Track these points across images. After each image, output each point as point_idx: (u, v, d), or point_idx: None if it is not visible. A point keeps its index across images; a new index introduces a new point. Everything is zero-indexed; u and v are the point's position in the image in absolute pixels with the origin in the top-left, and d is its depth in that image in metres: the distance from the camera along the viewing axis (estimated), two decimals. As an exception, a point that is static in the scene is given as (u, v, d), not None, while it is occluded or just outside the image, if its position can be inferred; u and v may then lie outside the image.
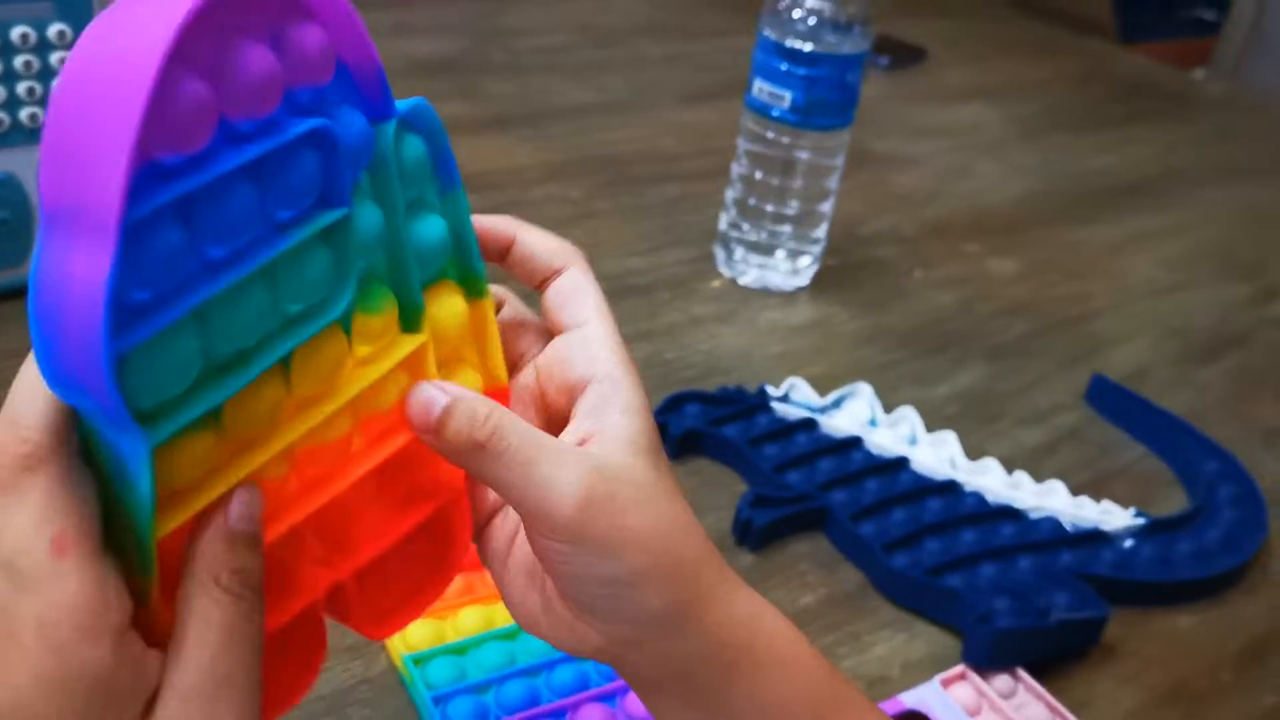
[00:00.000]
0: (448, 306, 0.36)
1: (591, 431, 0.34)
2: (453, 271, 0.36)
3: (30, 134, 0.68)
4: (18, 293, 0.72)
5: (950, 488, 0.67)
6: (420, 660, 0.53)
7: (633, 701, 0.53)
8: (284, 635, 0.33)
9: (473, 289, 0.37)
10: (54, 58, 0.67)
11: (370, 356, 0.33)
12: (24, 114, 0.67)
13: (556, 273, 0.37)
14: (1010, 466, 0.70)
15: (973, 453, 0.71)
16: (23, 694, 0.26)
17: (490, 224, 0.38)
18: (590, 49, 1.35)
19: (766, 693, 0.34)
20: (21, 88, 0.66)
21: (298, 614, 0.33)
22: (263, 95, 0.27)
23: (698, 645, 0.33)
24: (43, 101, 0.67)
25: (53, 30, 0.66)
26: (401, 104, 0.33)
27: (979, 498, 0.67)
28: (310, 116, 0.29)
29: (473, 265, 0.36)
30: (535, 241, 0.38)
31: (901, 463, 0.69)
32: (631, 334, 0.80)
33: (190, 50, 0.24)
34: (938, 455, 0.70)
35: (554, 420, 0.37)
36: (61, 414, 0.27)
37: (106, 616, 0.26)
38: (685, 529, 0.33)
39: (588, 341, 0.36)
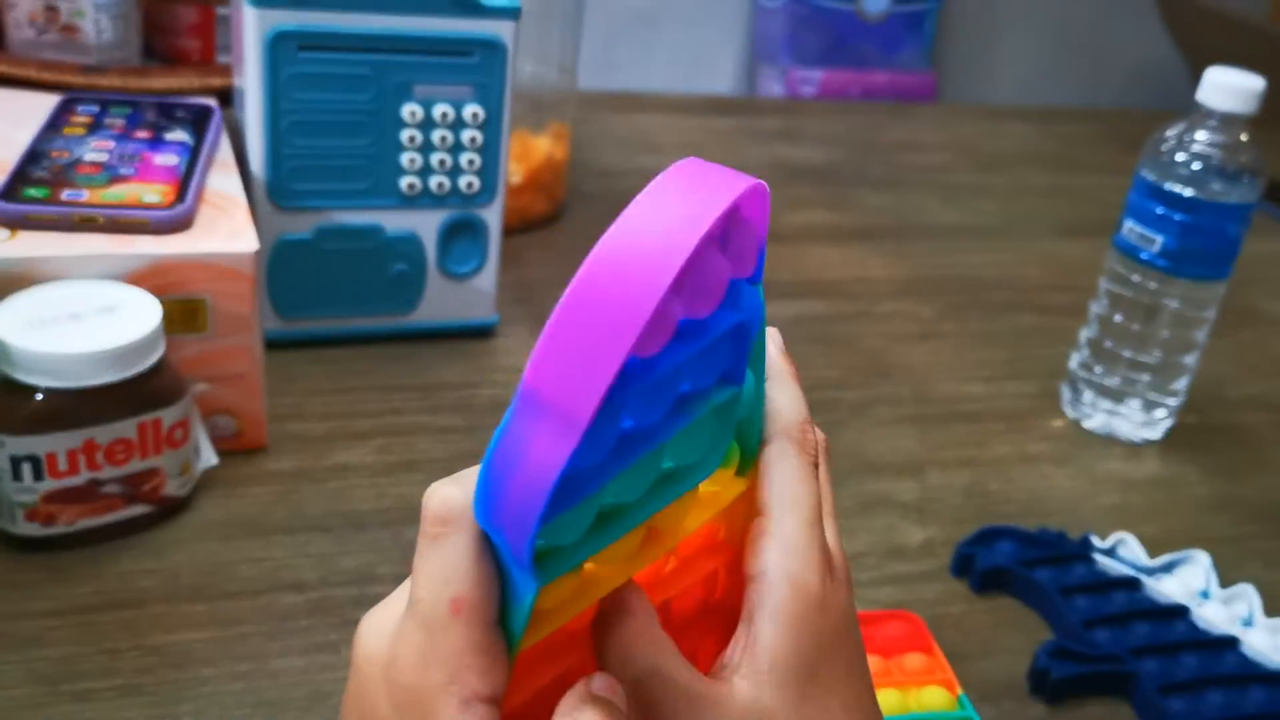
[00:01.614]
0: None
1: (744, 646, 0.32)
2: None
3: (436, 200, 0.77)
4: (408, 335, 0.82)
5: (1282, 681, 0.62)
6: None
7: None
8: None
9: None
10: (465, 135, 0.76)
11: (707, 496, 0.35)
12: (433, 182, 0.76)
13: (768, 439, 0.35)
14: (1360, 672, 0.63)
15: (1317, 648, 0.64)
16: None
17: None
18: (971, 172, 1.35)
19: None
20: (435, 159, 0.76)
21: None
22: (712, 298, 0.29)
23: None
24: (452, 173, 0.76)
25: (468, 111, 0.75)
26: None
27: (1314, 698, 0.61)
28: (731, 307, 0.31)
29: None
30: (770, 396, 0.35)
31: (1230, 642, 0.64)
32: (956, 461, 0.80)
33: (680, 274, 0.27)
34: (1274, 643, 0.64)
35: None
36: None
37: (476, 680, 0.29)
38: None
39: (757, 535, 0.34)
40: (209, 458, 0.64)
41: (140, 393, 0.59)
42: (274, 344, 0.77)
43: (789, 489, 0.34)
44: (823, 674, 0.32)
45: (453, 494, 0.29)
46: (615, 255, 0.26)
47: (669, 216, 0.26)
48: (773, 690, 0.31)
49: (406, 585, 0.32)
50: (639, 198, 0.27)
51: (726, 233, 0.29)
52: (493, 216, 0.79)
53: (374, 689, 0.30)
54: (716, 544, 0.36)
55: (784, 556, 0.32)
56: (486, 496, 0.28)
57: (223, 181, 0.70)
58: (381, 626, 0.31)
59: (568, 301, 0.26)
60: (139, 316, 0.58)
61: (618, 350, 0.25)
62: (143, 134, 0.72)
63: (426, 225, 0.78)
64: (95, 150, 0.69)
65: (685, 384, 0.30)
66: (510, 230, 0.98)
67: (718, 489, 0.35)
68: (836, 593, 0.33)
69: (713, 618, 0.38)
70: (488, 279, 0.81)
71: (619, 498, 0.30)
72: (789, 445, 0.34)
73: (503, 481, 0.27)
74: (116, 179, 0.66)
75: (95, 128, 0.72)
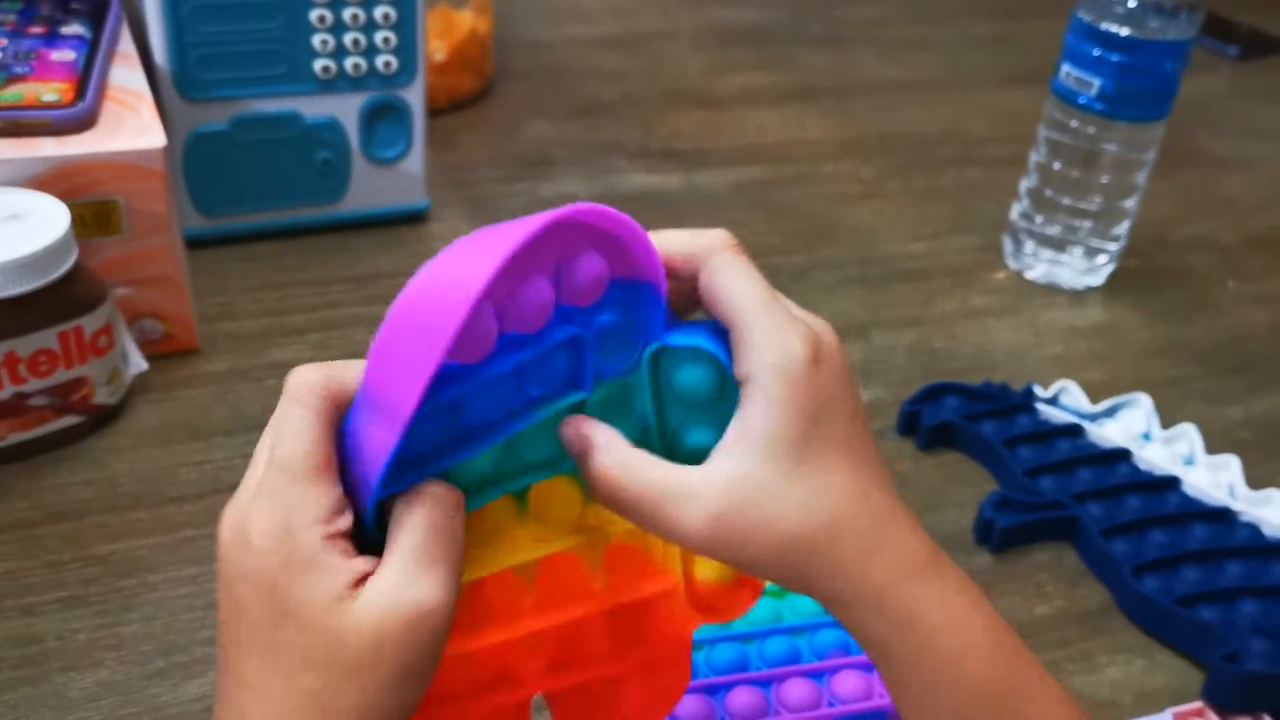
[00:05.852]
0: None
1: (737, 434, 0.34)
2: None
3: (354, 82, 0.74)
4: (338, 225, 0.80)
5: (1222, 515, 0.63)
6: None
7: (839, 681, 0.53)
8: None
9: None
10: (378, 12, 0.73)
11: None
12: (349, 63, 0.73)
13: (698, 271, 0.35)
14: (1298, 503, 0.64)
15: (1257, 484, 0.65)
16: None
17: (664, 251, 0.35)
18: (913, 25, 1.32)
19: (916, 689, 0.35)
20: (348, 39, 0.73)
21: (509, 707, 0.38)
22: (536, 317, 0.33)
23: (854, 631, 0.35)
24: (368, 53, 0.74)
25: (379, -13, 0.72)
26: (682, 338, 0.35)
27: (1254, 530, 0.62)
28: (572, 325, 0.34)
29: None
30: (669, 245, 0.35)
31: (1171, 482, 0.65)
32: (901, 320, 0.79)
33: (493, 289, 0.30)
34: (1215, 479, 0.65)
35: None
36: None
37: (342, 522, 0.31)
38: (813, 537, 0.33)
39: (734, 348, 0.34)
40: (138, 363, 0.63)
41: (57, 301, 0.57)
42: (199, 242, 0.75)
43: (734, 289, 0.34)
44: (819, 436, 0.33)
45: (309, 373, 0.33)
46: (427, 285, 0.30)
47: (468, 260, 0.30)
48: (763, 462, 0.33)
49: (253, 472, 0.33)
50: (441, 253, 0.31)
51: (564, 258, 0.33)
52: (415, 97, 0.77)
53: (235, 561, 0.31)
54: (588, 589, 0.38)
55: (758, 349, 0.33)
56: (343, 469, 0.32)
57: (126, 76, 0.67)
58: (237, 507, 0.32)
59: (392, 314, 0.30)
60: (47, 222, 0.56)
61: (431, 357, 0.29)
62: (37, 29, 0.68)
63: (346, 109, 0.75)
64: (-11, 49, 0.66)
65: (531, 388, 0.34)
66: (438, 111, 0.95)
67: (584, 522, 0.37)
68: (824, 350, 0.34)
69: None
70: (415, 162, 0.79)
71: (470, 476, 0.34)
72: (716, 256, 0.35)
73: (353, 462, 0.32)
74: (13, 79, 0.63)
75: (-12, 26, 0.69)
